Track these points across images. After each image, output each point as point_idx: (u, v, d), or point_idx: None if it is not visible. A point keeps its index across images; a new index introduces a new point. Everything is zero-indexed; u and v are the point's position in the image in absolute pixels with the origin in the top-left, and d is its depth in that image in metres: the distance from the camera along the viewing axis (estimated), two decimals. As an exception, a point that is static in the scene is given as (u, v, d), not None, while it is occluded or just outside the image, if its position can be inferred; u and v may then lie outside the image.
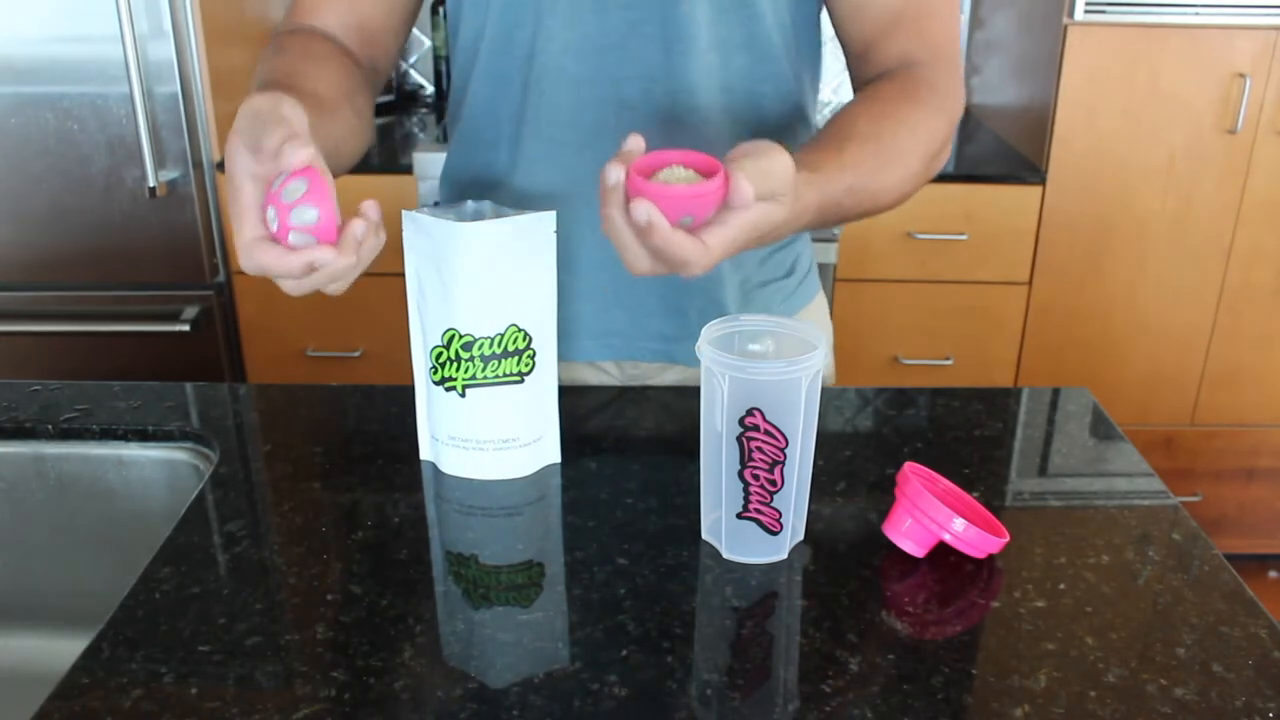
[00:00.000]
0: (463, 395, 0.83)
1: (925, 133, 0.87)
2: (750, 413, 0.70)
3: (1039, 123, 2.17)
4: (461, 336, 0.82)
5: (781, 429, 0.71)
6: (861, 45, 0.93)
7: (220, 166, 2.12)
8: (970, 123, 2.54)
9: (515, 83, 0.93)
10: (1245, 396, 2.34)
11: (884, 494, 0.84)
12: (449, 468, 0.87)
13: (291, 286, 0.69)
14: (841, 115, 0.85)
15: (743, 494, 0.74)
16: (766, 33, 0.91)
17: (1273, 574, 2.52)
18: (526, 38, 0.90)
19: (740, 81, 0.92)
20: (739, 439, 0.72)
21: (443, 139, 2.26)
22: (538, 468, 0.87)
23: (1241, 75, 2.06)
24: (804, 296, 1.09)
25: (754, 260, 1.02)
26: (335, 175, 0.73)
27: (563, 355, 0.98)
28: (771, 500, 0.73)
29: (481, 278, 0.80)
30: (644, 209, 0.64)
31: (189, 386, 1.01)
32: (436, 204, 0.94)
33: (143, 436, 0.94)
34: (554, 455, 0.88)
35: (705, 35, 0.89)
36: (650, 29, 0.89)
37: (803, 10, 0.94)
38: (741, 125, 0.94)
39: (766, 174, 0.67)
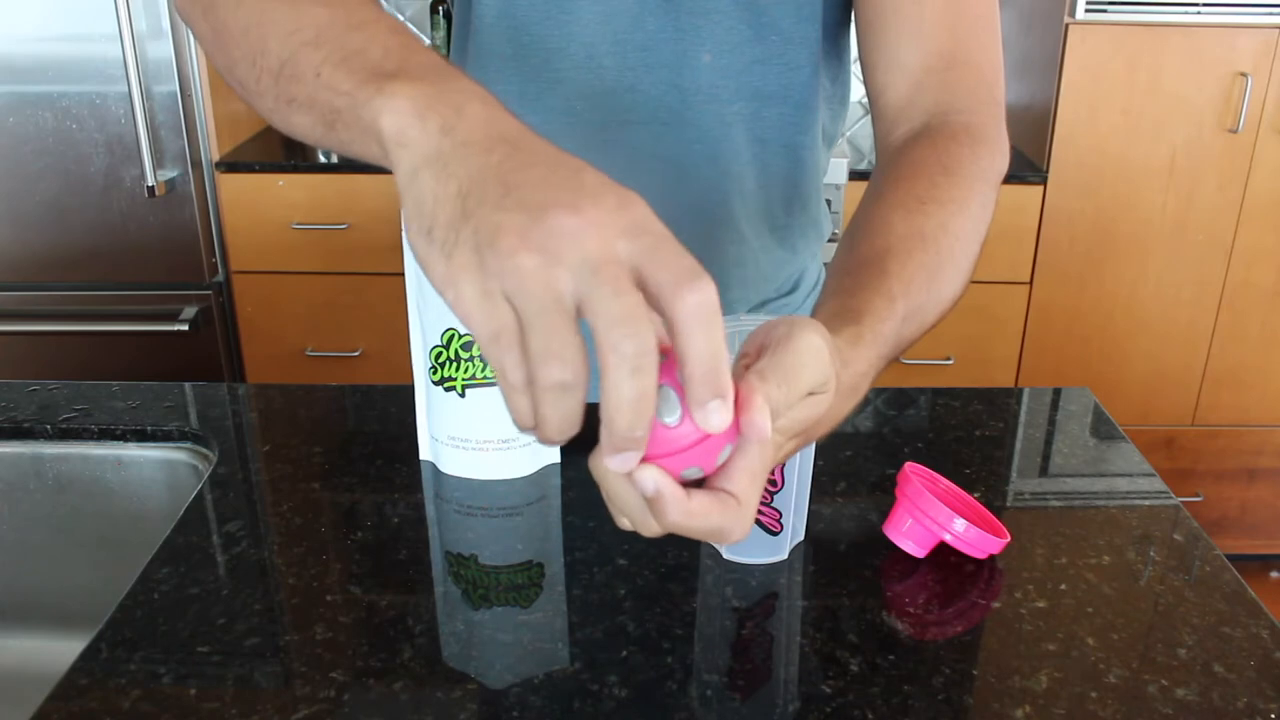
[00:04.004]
0: (462, 395, 0.83)
1: (977, 207, 0.72)
2: (750, 413, 0.70)
3: (1040, 122, 2.17)
4: (461, 336, 0.82)
5: (782, 429, 0.70)
6: (898, 96, 0.80)
7: (221, 166, 2.12)
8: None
9: (516, 94, 0.91)
10: (1247, 396, 2.34)
11: (884, 494, 0.84)
12: (449, 468, 0.87)
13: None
14: (871, 213, 0.70)
15: (743, 494, 0.73)
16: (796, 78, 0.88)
17: (1274, 574, 2.51)
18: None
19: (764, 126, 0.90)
20: (739, 439, 0.71)
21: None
22: (538, 468, 0.87)
23: (1243, 74, 2.06)
24: (810, 312, 1.06)
25: (755, 279, 1.01)
26: None
27: None
28: (772, 500, 0.73)
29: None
30: (651, 478, 0.46)
31: (188, 386, 1.01)
32: None
33: (141, 436, 0.93)
34: (554, 455, 0.88)
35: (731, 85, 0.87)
36: (664, 73, 0.87)
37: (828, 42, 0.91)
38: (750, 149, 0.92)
39: (794, 373, 0.50)
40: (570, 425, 0.43)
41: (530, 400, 0.43)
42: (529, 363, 0.42)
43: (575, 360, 0.42)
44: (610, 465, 0.45)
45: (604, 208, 0.42)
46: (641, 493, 0.47)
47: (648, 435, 0.44)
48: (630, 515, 0.49)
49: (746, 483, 0.48)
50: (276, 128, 0.59)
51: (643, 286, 0.42)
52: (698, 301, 0.42)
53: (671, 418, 0.45)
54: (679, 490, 0.46)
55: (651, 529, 0.49)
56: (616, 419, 0.42)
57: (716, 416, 0.44)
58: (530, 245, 0.41)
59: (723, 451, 0.47)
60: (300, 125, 0.56)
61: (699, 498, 0.47)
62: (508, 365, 0.43)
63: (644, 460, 0.46)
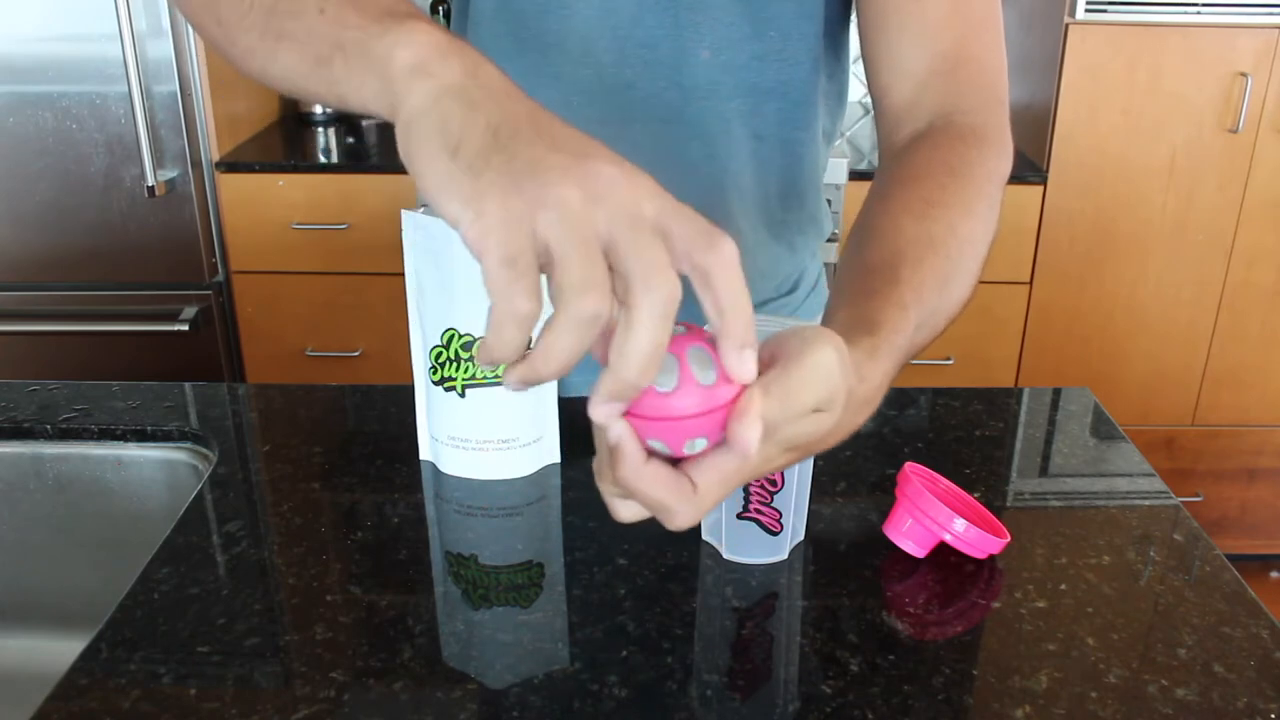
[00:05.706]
0: (462, 395, 0.83)
1: (984, 209, 0.71)
2: (750, 413, 0.70)
3: (1040, 122, 2.17)
4: (461, 336, 0.82)
5: (782, 429, 0.70)
6: (901, 98, 0.80)
7: (221, 166, 2.12)
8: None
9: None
10: (1247, 396, 2.34)
11: (884, 494, 0.84)
12: (449, 468, 0.87)
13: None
14: (878, 216, 0.69)
15: (743, 494, 0.73)
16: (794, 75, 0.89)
17: (1274, 574, 2.51)
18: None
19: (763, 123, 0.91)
20: (739, 439, 0.71)
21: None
22: (538, 468, 0.87)
23: (1243, 74, 2.06)
24: (810, 311, 1.06)
25: (753, 275, 1.00)
26: None
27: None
28: (771, 500, 0.73)
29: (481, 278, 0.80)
30: (618, 429, 0.46)
31: (188, 386, 1.01)
32: None
33: (141, 436, 0.93)
34: (554, 455, 0.88)
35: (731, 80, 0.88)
36: (663, 70, 0.87)
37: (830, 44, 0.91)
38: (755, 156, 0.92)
39: (798, 391, 0.48)
40: (573, 363, 0.43)
41: (522, 333, 0.43)
42: (557, 293, 0.42)
43: (609, 294, 0.42)
44: (597, 412, 0.45)
45: (632, 168, 0.44)
46: (606, 438, 0.47)
47: (642, 390, 0.44)
48: (597, 460, 0.49)
49: (711, 479, 0.48)
50: (248, 71, 0.58)
51: (666, 245, 0.43)
52: (730, 253, 0.43)
53: (666, 384, 0.45)
54: (639, 450, 0.46)
55: (606, 482, 0.49)
56: (629, 364, 0.42)
57: (751, 364, 0.45)
58: (574, 181, 0.42)
59: (692, 441, 0.47)
60: (284, 64, 0.55)
61: (656, 466, 0.47)
62: (517, 292, 0.43)
63: (634, 419, 0.46)
